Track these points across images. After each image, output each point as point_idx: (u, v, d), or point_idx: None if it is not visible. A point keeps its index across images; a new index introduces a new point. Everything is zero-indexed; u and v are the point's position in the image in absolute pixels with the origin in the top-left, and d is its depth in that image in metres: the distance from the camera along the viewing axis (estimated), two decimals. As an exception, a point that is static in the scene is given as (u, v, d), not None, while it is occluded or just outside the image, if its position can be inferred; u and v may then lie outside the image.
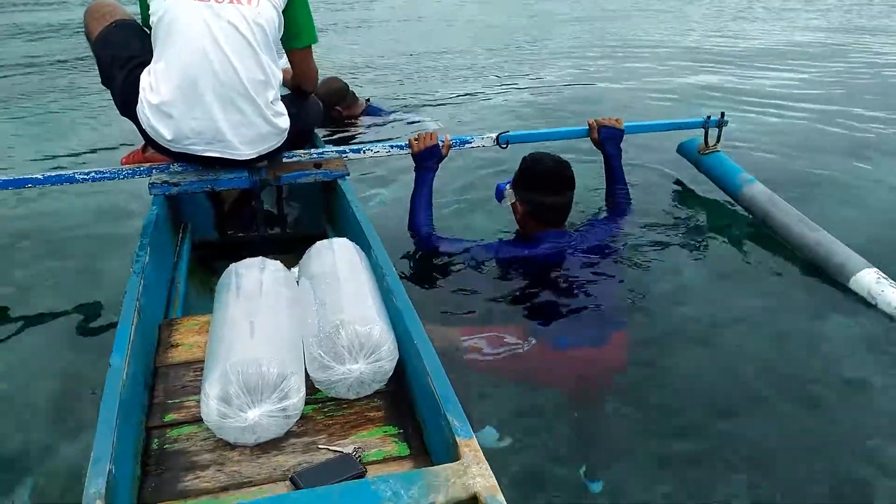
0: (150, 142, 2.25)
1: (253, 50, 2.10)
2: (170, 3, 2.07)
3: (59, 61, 6.48)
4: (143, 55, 2.16)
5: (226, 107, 2.11)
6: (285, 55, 2.36)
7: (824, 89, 5.57)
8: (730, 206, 3.00)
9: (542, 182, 2.42)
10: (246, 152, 2.20)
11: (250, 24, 2.09)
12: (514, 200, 2.49)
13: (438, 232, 2.60)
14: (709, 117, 2.94)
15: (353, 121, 4.35)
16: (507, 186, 2.53)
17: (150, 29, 2.16)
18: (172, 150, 2.18)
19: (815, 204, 3.02)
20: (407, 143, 2.62)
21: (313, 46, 2.35)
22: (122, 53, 2.19)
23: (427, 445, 1.37)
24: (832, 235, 2.53)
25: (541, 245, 2.44)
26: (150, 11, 2.12)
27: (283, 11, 2.18)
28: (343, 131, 4.22)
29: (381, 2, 12.20)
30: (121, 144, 3.82)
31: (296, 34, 2.26)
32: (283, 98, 2.30)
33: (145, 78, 2.11)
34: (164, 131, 2.12)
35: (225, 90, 2.09)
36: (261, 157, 2.26)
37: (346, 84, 4.33)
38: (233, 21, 2.07)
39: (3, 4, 10.66)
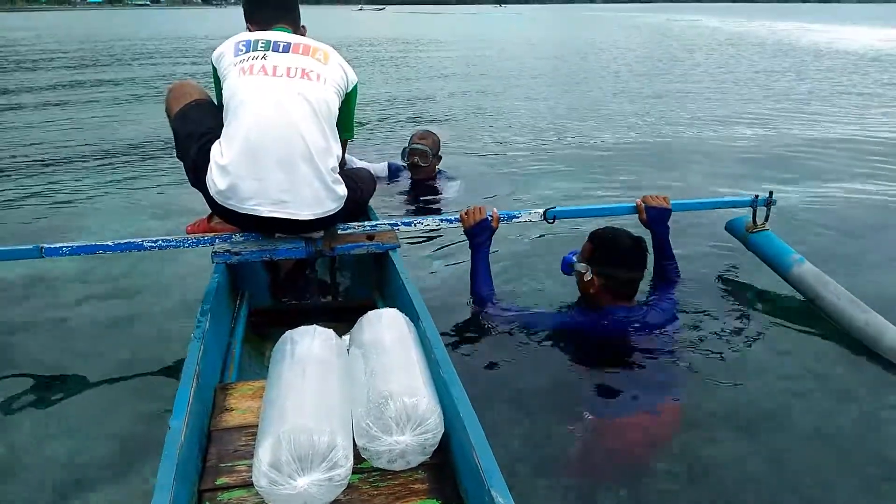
0: (215, 208, 2.38)
1: (318, 120, 2.26)
2: (244, 79, 2.24)
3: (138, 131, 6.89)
4: (218, 129, 2.31)
5: (289, 169, 2.23)
6: None
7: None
8: (779, 285, 2.97)
9: (623, 259, 2.49)
10: (305, 213, 2.29)
11: (318, 98, 2.26)
12: (590, 276, 2.51)
13: (502, 303, 2.65)
14: (756, 196, 2.95)
15: (428, 179, 4.46)
16: (575, 258, 2.58)
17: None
18: (237, 210, 2.27)
19: (864, 282, 2.99)
20: (458, 217, 2.70)
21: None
22: (198, 129, 2.35)
23: None
24: (883, 318, 2.50)
25: (609, 319, 2.49)
26: (222, 86, 2.29)
27: (341, 103, 2.38)
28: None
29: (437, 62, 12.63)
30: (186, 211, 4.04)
31: (343, 128, 2.45)
32: (340, 173, 2.42)
33: (216, 147, 2.26)
34: (228, 191, 2.23)
35: (289, 153, 2.21)
36: (319, 221, 2.35)
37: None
38: (302, 93, 2.24)
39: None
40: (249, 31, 2.46)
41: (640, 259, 2.51)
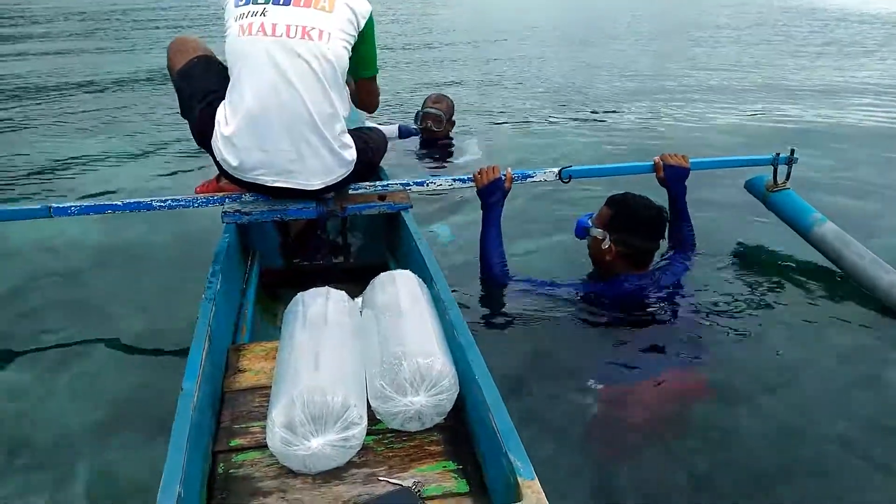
0: (223, 172, 2.35)
1: (322, 84, 2.16)
2: (243, 40, 2.15)
3: (145, 86, 6.83)
4: (221, 90, 2.25)
5: (294, 138, 2.18)
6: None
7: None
8: (799, 246, 2.91)
9: (644, 228, 2.45)
10: (314, 183, 2.26)
11: (320, 59, 2.14)
12: (608, 243, 2.45)
13: (512, 268, 2.59)
14: (778, 154, 2.87)
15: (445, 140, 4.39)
16: (590, 221, 2.53)
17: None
18: (243, 179, 2.26)
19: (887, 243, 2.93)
20: (470, 176, 2.64)
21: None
22: (201, 88, 2.29)
23: (487, 483, 1.36)
24: None
25: (623, 286, 2.45)
26: (225, 41, 2.21)
27: (354, 47, 2.24)
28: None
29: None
30: (199, 168, 4.01)
31: (365, 66, 2.38)
32: (350, 132, 2.37)
33: (220, 111, 2.21)
34: (234, 162, 2.20)
35: (294, 122, 2.16)
36: (327, 189, 2.32)
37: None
38: (303, 55, 2.12)
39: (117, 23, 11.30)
40: None
41: (660, 230, 2.47)
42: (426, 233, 3.25)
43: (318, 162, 2.24)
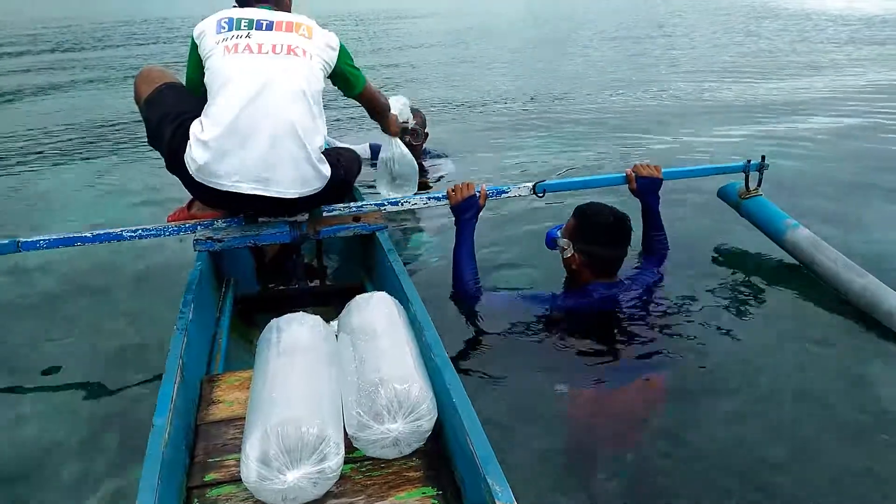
0: (194, 189, 2.29)
1: (305, 99, 2.20)
2: (229, 57, 2.18)
3: (109, 121, 6.76)
4: (193, 112, 2.23)
5: (276, 146, 2.16)
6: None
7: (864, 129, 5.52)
8: (773, 251, 2.94)
9: (603, 235, 2.44)
10: (289, 192, 2.22)
11: (304, 74, 2.22)
12: (570, 252, 2.47)
13: (483, 284, 2.59)
14: (749, 161, 2.90)
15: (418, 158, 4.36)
16: (559, 233, 2.54)
17: (197, 93, 2.26)
18: (216, 188, 2.19)
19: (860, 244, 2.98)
20: (444, 194, 2.64)
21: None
22: (173, 110, 2.27)
23: None
24: (879, 280, 2.47)
25: (591, 296, 2.45)
26: (205, 65, 2.22)
27: (335, 73, 2.36)
28: None
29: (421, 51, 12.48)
30: (169, 197, 3.95)
31: (355, 83, 2.47)
32: (324, 151, 2.35)
33: (195, 125, 2.18)
34: (208, 167, 2.15)
35: (276, 130, 2.15)
36: (303, 201, 2.29)
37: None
38: (288, 69, 2.20)
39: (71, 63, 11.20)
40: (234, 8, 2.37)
41: (622, 236, 2.46)
42: (405, 242, 3.25)
43: (296, 171, 2.21)
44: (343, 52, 2.38)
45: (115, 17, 18.46)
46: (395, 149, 3.03)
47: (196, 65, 2.28)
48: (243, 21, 2.25)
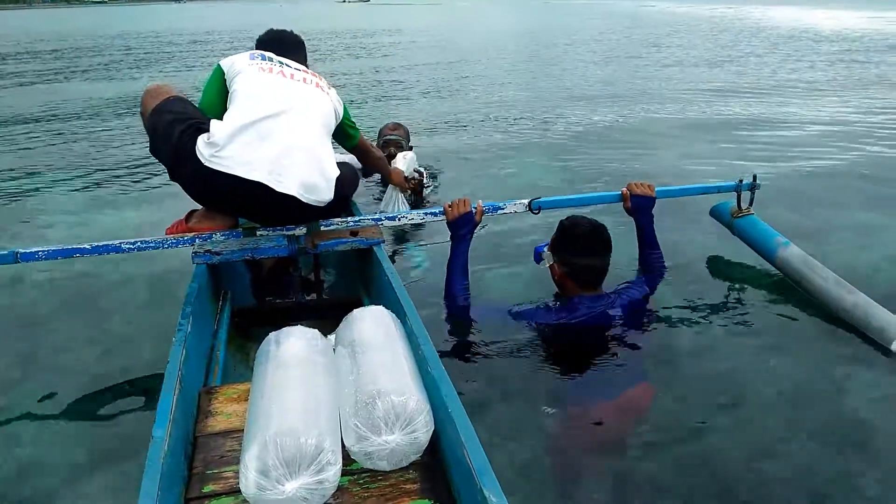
0: (201, 185, 2.29)
1: (323, 126, 2.45)
2: (262, 75, 2.38)
3: (109, 132, 6.78)
4: (202, 120, 2.29)
5: (290, 152, 2.25)
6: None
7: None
8: (764, 269, 2.98)
9: (579, 245, 2.48)
10: (297, 193, 2.25)
11: (325, 107, 2.48)
12: (551, 262, 2.54)
13: (474, 299, 2.63)
14: (741, 181, 2.95)
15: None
16: (546, 248, 2.58)
17: (209, 115, 2.34)
18: (224, 171, 2.19)
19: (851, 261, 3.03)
20: (441, 209, 2.67)
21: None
22: (182, 116, 2.31)
23: None
24: (870, 298, 2.51)
25: (577, 310, 2.48)
26: (233, 81, 2.38)
27: (339, 127, 2.65)
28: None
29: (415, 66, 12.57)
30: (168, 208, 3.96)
31: (350, 135, 2.81)
32: None
33: (214, 123, 2.25)
34: (221, 153, 2.18)
35: (293, 141, 2.27)
36: (302, 211, 2.33)
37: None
38: (313, 98, 2.45)
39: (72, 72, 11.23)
40: None
41: (596, 246, 2.49)
42: (401, 256, 3.28)
43: (306, 179, 2.27)
44: (346, 110, 2.69)
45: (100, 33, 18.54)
46: (396, 200, 3.45)
47: (216, 88, 2.43)
48: (275, 59, 2.53)
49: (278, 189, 2.22)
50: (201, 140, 2.21)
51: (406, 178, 3.70)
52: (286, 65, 2.52)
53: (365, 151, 3.02)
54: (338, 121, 2.61)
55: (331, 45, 16.80)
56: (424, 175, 4.16)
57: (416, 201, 4.22)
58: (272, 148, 2.22)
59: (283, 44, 2.75)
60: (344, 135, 2.77)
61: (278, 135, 2.25)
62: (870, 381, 2.26)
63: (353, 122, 2.81)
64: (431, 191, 4.35)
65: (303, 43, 2.88)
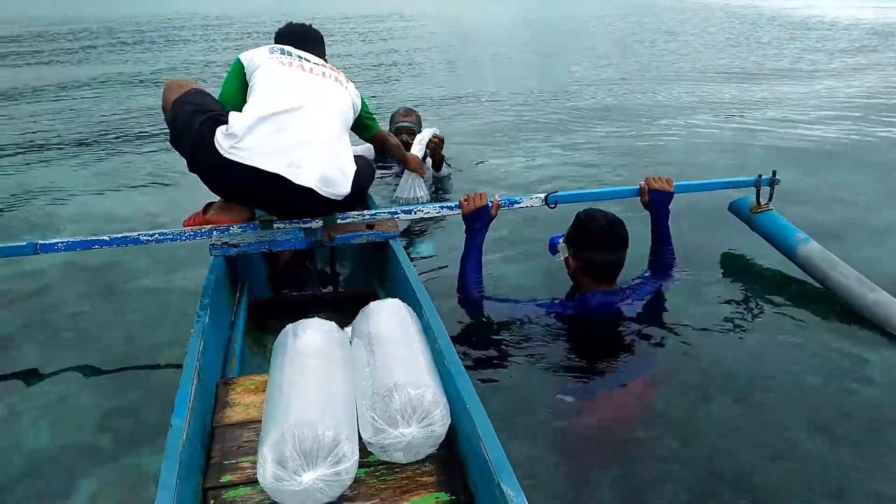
0: (219, 177, 2.29)
1: (342, 119, 2.47)
2: (282, 68, 2.41)
3: (127, 123, 6.83)
4: (221, 112, 2.30)
5: (308, 144, 2.27)
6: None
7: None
8: (783, 265, 2.95)
9: (595, 240, 2.45)
10: (315, 186, 2.26)
11: (344, 101, 2.51)
12: (566, 256, 2.53)
13: (488, 292, 2.62)
14: (760, 176, 2.91)
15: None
16: (561, 240, 2.57)
17: (228, 107, 2.36)
18: (243, 162, 2.20)
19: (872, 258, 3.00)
20: (457, 203, 2.66)
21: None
22: (202, 108, 2.33)
23: None
24: (892, 296, 2.48)
25: (591, 304, 2.47)
26: (253, 75, 2.41)
27: (357, 120, 2.68)
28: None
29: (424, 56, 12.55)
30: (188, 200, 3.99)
31: (369, 126, 2.88)
32: None
33: (234, 114, 2.28)
34: (239, 144, 2.19)
35: (314, 134, 2.30)
36: (319, 205, 2.34)
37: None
38: (332, 92, 2.47)
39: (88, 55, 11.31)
40: None
41: (612, 241, 2.46)
42: (411, 250, 3.29)
43: (324, 172, 2.29)
44: (364, 103, 2.72)
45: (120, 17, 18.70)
46: (413, 185, 3.50)
47: (235, 83, 2.46)
48: (294, 53, 2.55)
49: (296, 181, 2.23)
50: (220, 131, 2.22)
51: (423, 157, 3.74)
52: (305, 59, 2.54)
53: (382, 140, 3.11)
54: (356, 114, 2.64)
55: (343, 29, 16.79)
56: (440, 139, 4.14)
57: (437, 164, 4.22)
58: (291, 140, 2.24)
59: (302, 38, 2.76)
60: (362, 126, 2.82)
61: (297, 128, 2.26)
62: (892, 378, 2.23)
63: (371, 114, 2.85)
64: (447, 178, 4.34)
65: (321, 37, 2.90)
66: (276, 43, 2.71)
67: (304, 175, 2.23)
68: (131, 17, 19.08)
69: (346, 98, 2.54)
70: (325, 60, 2.72)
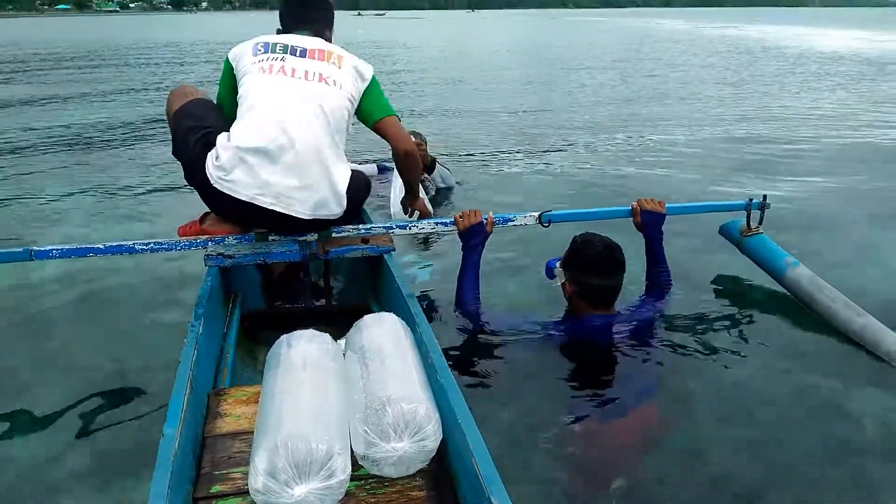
0: (213, 198, 2.31)
1: (330, 125, 2.29)
2: (264, 77, 2.29)
3: (125, 132, 6.83)
4: (219, 127, 2.31)
5: (298, 168, 2.22)
6: None
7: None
8: (772, 289, 2.98)
9: (592, 265, 2.46)
10: (307, 214, 2.27)
11: (332, 103, 2.31)
12: (563, 280, 2.53)
13: (485, 308, 2.63)
14: (751, 200, 2.95)
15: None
16: (557, 264, 2.57)
17: (226, 111, 2.36)
18: (235, 196, 2.21)
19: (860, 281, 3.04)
20: (452, 220, 2.68)
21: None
22: (199, 124, 2.34)
23: None
24: (878, 322, 2.51)
25: (588, 327, 2.48)
26: (239, 83, 2.33)
27: (360, 104, 2.41)
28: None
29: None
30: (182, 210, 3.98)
31: (379, 110, 2.44)
32: None
33: (222, 136, 2.25)
34: (231, 175, 2.20)
35: (301, 153, 2.22)
36: (317, 223, 2.34)
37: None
38: (318, 96, 2.29)
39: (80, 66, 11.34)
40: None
41: (609, 267, 2.46)
42: (407, 265, 3.29)
43: (316, 196, 2.27)
44: (374, 83, 2.43)
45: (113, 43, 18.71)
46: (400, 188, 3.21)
47: (228, 84, 2.40)
48: (279, 46, 2.37)
49: (288, 213, 2.25)
50: (210, 159, 2.23)
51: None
52: (291, 53, 2.35)
53: (395, 136, 2.48)
54: (356, 102, 2.40)
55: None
56: (424, 140, 4.13)
57: (426, 167, 4.23)
58: (280, 173, 2.21)
59: (305, 12, 2.54)
60: (367, 112, 2.44)
61: (286, 155, 2.21)
62: (880, 401, 2.25)
63: (381, 95, 2.47)
64: (445, 196, 4.37)
65: (329, 5, 2.61)
66: (280, 19, 2.58)
67: (296, 205, 2.24)
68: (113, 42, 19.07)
69: (337, 100, 2.32)
70: (331, 32, 2.56)
